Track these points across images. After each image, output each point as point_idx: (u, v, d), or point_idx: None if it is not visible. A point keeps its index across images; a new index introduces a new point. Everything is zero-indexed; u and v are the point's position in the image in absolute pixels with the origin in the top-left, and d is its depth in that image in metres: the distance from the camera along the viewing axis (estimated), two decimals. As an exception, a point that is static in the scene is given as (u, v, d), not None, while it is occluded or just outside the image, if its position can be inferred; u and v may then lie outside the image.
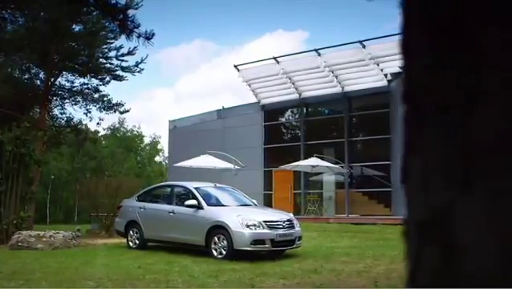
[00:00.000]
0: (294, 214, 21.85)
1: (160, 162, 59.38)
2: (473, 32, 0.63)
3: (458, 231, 0.60)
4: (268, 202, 23.74)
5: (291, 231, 10.37)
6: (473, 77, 0.62)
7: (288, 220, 10.56)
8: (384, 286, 6.98)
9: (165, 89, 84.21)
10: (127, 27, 4.26)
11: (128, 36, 4.16)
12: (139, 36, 4.18)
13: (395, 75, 20.77)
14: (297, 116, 25.52)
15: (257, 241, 9.86)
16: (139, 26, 4.14)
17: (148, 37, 4.23)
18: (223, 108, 27.00)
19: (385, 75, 21.26)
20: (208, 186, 12.01)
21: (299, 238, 10.60)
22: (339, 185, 23.23)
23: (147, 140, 59.96)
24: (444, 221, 0.62)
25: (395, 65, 20.51)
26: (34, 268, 8.70)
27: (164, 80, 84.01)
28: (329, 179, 23.44)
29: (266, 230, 9.95)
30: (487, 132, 0.60)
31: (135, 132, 58.34)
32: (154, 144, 59.66)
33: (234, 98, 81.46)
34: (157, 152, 60.06)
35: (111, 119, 65.62)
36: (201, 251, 10.33)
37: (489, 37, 0.61)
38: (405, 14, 0.71)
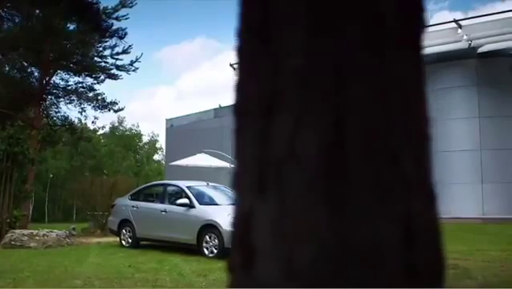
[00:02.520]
0: (291, 213, 21.98)
1: (159, 161, 59.42)
2: (275, 36, 0.63)
3: (254, 235, 0.60)
4: (264, 201, 23.75)
5: (283, 230, 10.36)
6: (273, 81, 0.61)
7: (280, 219, 10.55)
8: (371, 285, 6.97)
9: (167, 87, 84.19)
10: (100, 27, 4.26)
11: (102, 35, 4.15)
12: (111, 36, 4.17)
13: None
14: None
15: (248, 240, 9.85)
16: (112, 25, 4.13)
17: (121, 36, 4.23)
18: (220, 107, 26.99)
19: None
20: (200, 185, 12.00)
21: (291, 237, 10.59)
22: (335, 184, 23.22)
23: (146, 139, 60.07)
24: (246, 224, 0.62)
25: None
26: (24, 267, 8.69)
27: (165, 78, 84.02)
28: (325, 178, 23.41)
29: (257, 229, 9.94)
30: (281, 137, 0.60)
31: (134, 131, 58.43)
32: (153, 142, 59.71)
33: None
34: (156, 150, 60.10)
35: (110, 117, 65.79)
36: (193, 250, 10.33)
37: (287, 40, 0.61)
38: (238, 23, 0.71)
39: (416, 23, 0.64)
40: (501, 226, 14.48)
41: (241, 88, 0.68)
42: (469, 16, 20.68)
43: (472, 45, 18.20)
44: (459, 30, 18.30)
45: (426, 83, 0.66)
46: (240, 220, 0.64)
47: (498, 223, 15.07)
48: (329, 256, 0.54)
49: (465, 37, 18.26)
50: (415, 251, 0.55)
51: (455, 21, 18.22)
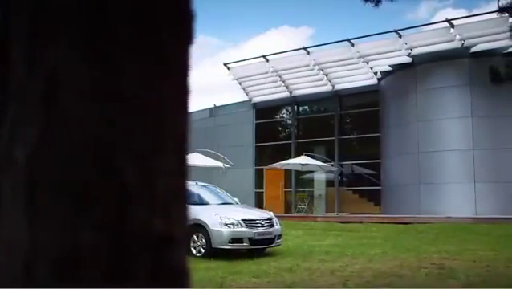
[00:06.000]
0: (285, 212, 21.94)
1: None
2: (9, 46, 0.62)
3: None
4: (259, 201, 23.77)
5: (271, 230, 10.35)
6: (3, 92, 0.61)
7: (268, 218, 10.54)
8: (353, 285, 6.95)
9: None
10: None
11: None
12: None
13: (384, 74, 20.76)
14: (288, 114, 25.53)
15: (235, 239, 9.85)
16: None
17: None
18: (215, 106, 27.01)
19: (375, 74, 21.26)
20: (189, 184, 11.97)
21: (279, 237, 10.58)
22: (329, 184, 23.24)
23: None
24: None
25: (384, 63, 20.51)
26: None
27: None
28: (320, 177, 23.45)
29: (245, 229, 9.93)
30: (1, 149, 0.60)
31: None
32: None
33: (241, 95, 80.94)
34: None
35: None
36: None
37: (15, 51, 0.61)
38: None
39: (165, 35, 0.63)
40: (492, 226, 14.49)
41: None
42: (467, 15, 20.63)
43: (465, 44, 18.20)
44: (452, 30, 18.29)
45: (175, 93, 0.65)
46: None
47: (490, 223, 15.07)
48: (24, 260, 0.54)
49: (457, 36, 18.26)
50: (128, 258, 0.55)
51: (447, 20, 18.21)
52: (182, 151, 0.65)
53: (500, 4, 7.49)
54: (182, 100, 0.65)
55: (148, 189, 0.59)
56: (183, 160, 0.65)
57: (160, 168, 0.61)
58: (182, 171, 0.65)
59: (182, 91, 0.65)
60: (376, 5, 6.08)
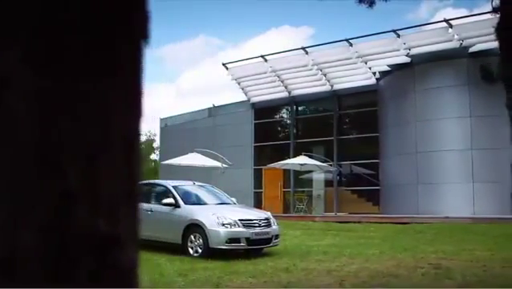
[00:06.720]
0: (284, 212, 21.94)
1: (156, 160, 59.40)
2: None
3: None
4: (258, 201, 23.76)
5: (268, 230, 10.35)
6: None
7: (265, 218, 10.54)
8: (350, 285, 6.95)
9: (167, 86, 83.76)
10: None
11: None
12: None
13: (383, 74, 20.76)
14: (287, 114, 25.53)
15: (232, 239, 9.84)
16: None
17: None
18: (214, 106, 27.00)
19: (373, 74, 21.25)
20: (187, 185, 11.98)
21: (276, 237, 10.58)
22: (328, 184, 23.22)
23: (142, 138, 59.95)
24: None
25: (383, 63, 20.50)
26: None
27: (166, 77, 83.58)
28: (319, 177, 23.44)
29: (242, 229, 9.93)
30: None
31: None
32: (149, 142, 59.72)
33: (241, 94, 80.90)
34: (153, 150, 60.10)
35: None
36: (178, 249, 10.31)
37: None
38: None
39: (117, 35, 0.63)
40: (490, 226, 14.49)
41: None
42: (465, 15, 20.63)
43: (463, 44, 18.19)
44: (450, 30, 18.29)
45: (125, 93, 0.65)
46: None
47: (488, 223, 15.07)
48: None
49: (456, 36, 18.25)
50: (71, 258, 0.56)
51: (446, 20, 18.21)
52: (132, 152, 0.65)
53: (494, 4, 7.51)
54: (133, 101, 0.65)
55: (93, 189, 0.59)
56: (132, 161, 0.65)
57: (106, 169, 0.61)
58: (131, 172, 0.65)
59: (133, 92, 0.65)
60: (370, 6, 6.09)
